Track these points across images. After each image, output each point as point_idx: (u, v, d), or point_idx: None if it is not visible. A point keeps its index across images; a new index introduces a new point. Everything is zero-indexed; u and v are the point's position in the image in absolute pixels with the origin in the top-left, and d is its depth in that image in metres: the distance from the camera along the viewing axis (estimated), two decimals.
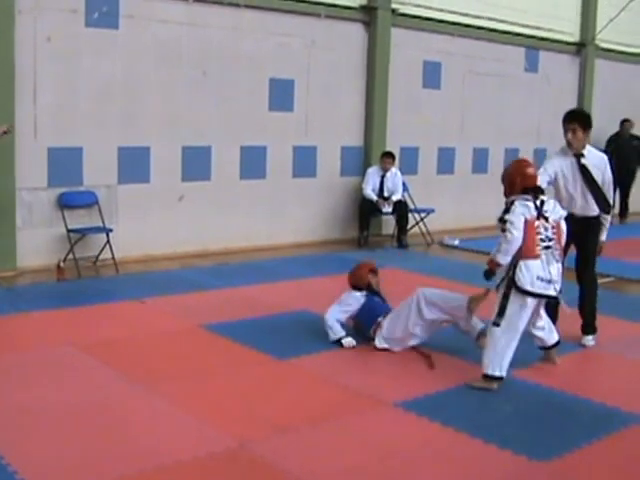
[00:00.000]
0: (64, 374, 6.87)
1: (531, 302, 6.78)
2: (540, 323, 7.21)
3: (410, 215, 14.24)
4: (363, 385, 6.82)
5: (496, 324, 6.70)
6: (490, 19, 16.36)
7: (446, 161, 16.04)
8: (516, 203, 6.79)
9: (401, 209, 13.95)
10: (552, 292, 6.77)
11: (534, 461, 5.39)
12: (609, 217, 8.19)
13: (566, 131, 7.98)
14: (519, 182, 6.89)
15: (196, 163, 12.42)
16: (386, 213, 14.01)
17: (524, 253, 6.68)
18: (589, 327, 8.18)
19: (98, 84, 11.24)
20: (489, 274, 6.94)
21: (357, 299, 7.98)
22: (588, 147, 8.03)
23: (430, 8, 15.24)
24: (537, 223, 6.73)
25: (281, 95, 13.33)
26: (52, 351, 7.47)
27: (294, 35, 13.34)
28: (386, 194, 13.82)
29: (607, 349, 7.95)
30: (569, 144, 7.97)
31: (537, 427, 6.00)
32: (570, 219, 7.62)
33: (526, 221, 6.70)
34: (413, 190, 14.59)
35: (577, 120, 7.97)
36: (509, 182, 7.02)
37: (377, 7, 14.20)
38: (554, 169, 8.02)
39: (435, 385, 6.83)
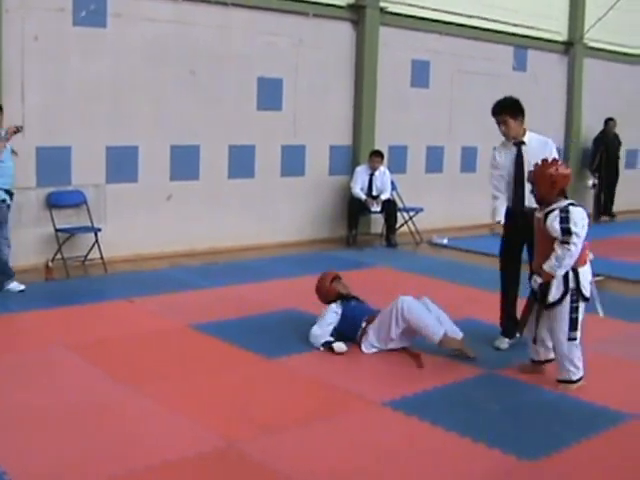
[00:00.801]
0: (53, 374, 6.87)
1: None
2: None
3: (399, 214, 14.27)
4: (352, 384, 6.83)
5: (573, 339, 6.66)
6: (478, 18, 16.38)
7: (435, 160, 16.06)
8: (571, 209, 6.50)
9: (390, 208, 13.98)
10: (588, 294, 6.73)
11: (523, 460, 5.40)
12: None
13: (498, 124, 7.78)
14: (560, 182, 6.61)
15: (184, 162, 12.42)
16: (375, 212, 14.03)
17: (580, 261, 6.55)
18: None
19: (86, 83, 11.23)
20: (546, 286, 6.62)
21: (334, 312, 7.94)
22: (529, 134, 7.84)
23: (418, 7, 15.23)
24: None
25: (269, 94, 13.33)
26: (41, 351, 7.46)
27: (282, 34, 13.34)
28: (375, 193, 13.85)
29: (595, 348, 7.93)
30: (505, 136, 7.81)
31: (526, 426, 6.02)
32: (518, 214, 7.65)
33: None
34: (402, 189, 14.61)
35: (504, 111, 7.73)
36: (549, 183, 6.62)
37: (365, 6, 14.21)
38: (500, 166, 7.86)
39: (423, 384, 6.84)
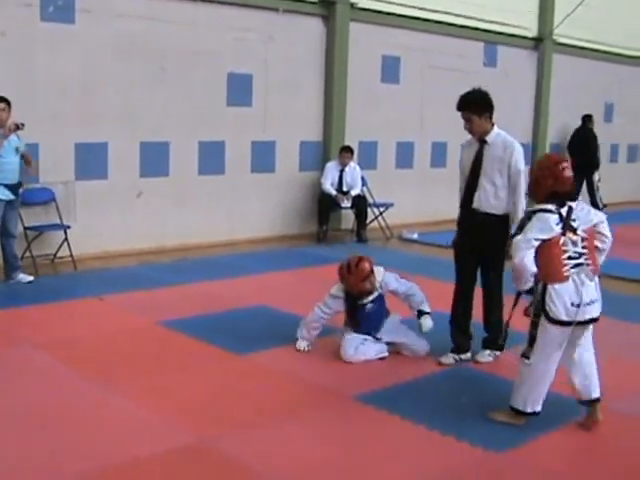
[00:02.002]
0: (21, 373, 6.87)
1: (565, 331, 5.73)
2: (578, 364, 5.97)
3: (369, 209, 14.32)
4: (322, 379, 6.91)
5: (526, 356, 5.85)
6: (449, 14, 16.47)
7: (405, 155, 16.13)
8: (534, 218, 5.71)
9: (360, 203, 14.03)
10: (588, 315, 5.68)
11: (490, 452, 5.51)
12: (518, 218, 6.85)
13: (463, 120, 7.16)
14: (550, 185, 5.77)
15: (154, 159, 12.40)
16: (345, 208, 14.08)
17: (550, 278, 5.65)
18: (489, 342, 7.51)
19: (54, 80, 11.19)
20: (540, 302, 5.76)
21: (329, 307, 7.64)
22: (497, 133, 7.19)
23: (389, 2, 15.30)
24: (563, 239, 5.64)
25: (239, 90, 13.34)
26: (10, 350, 7.47)
27: (252, 30, 13.35)
28: (345, 189, 13.89)
29: None
30: (470, 133, 7.22)
31: (490, 419, 6.09)
32: (470, 215, 7.29)
33: (545, 240, 5.63)
34: (372, 184, 14.66)
35: (468, 107, 7.10)
36: (536, 183, 5.89)
37: (336, 1, 14.26)
38: (463, 162, 7.44)
39: (394, 379, 6.93)
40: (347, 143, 14.35)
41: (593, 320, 5.78)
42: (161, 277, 10.60)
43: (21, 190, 10.07)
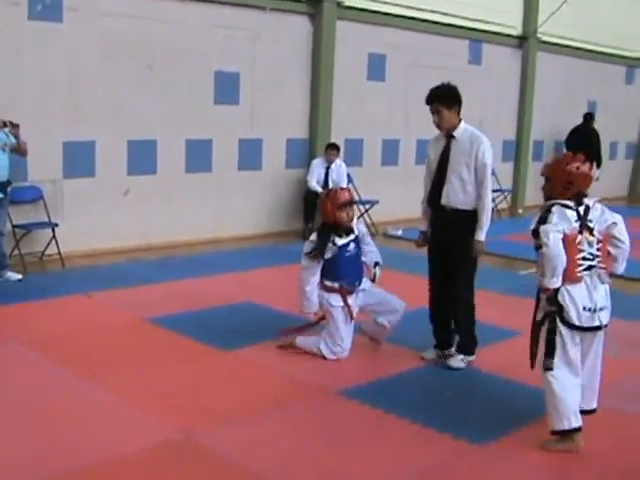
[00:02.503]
0: (9, 369, 6.91)
1: (579, 337, 5.58)
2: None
3: (355, 206, 14.31)
4: (307, 374, 6.97)
5: (548, 368, 5.56)
6: (434, 12, 16.49)
7: (390, 153, 16.18)
8: (553, 210, 5.50)
9: None
10: (597, 322, 5.55)
11: (473, 444, 5.59)
12: (484, 213, 7.01)
13: (432, 114, 7.10)
14: (578, 184, 5.61)
15: (142, 157, 12.41)
16: None
17: (564, 277, 5.45)
18: (460, 346, 7.37)
19: (42, 78, 11.18)
20: (548, 303, 5.57)
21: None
22: (465, 127, 7.13)
23: (375, 1, 15.33)
24: (579, 238, 5.46)
25: (226, 88, 13.35)
26: None
27: (239, 28, 13.35)
28: (331, 185, 13.88)
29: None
30: (438, 127, 7.14)
31: (476, 412, 6.18)
32: (439, 211, 7.20)
33: (565, 236, 5.42)
34: (358, 181, 14.70)
35: (438, 100, 7.04)
36: (564, 182, 5.63)
37: (322, 0, 14.27)
38: (430, 158, 7.35)
39: (377, 373, 7.01)
40: (333, 140, 14.37)
41: (601, 327, 5.60)
42: (148, 274, 10.63)
43: (9, 188, 10.07)
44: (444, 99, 7.04)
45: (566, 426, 5.51)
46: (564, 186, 5.60)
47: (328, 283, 7.36)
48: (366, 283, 7.51)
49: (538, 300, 5.73)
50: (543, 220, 5.47)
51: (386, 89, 15.79)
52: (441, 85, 7.19)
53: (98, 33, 11.66)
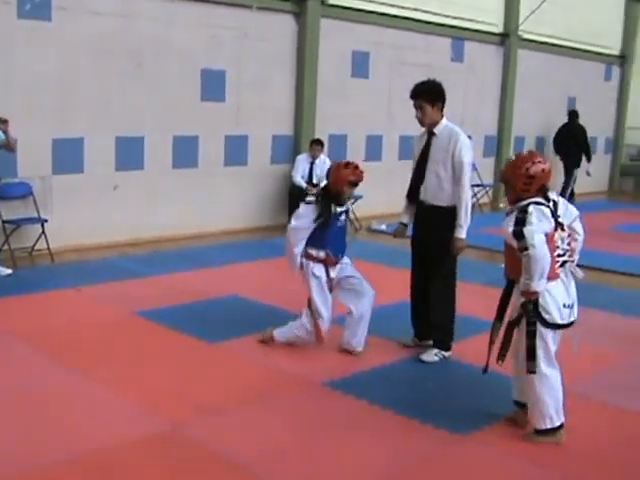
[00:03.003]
0: (1, 362, 6.92)
1: (557, 335, 5.55)
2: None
3: None
4: (292, 366, 7.01)
5: (531, 372, 5.49)
6: (417, 10, 16.55)
7: (374, 148, 16.22)
8: (530, 209, 5.37)
9: None
10: (573, 318, 5.53)
11: (455, 434, 5.65)
12: (462, 211, 6.94)
13: (415, 109, 7.06)
14: (539, 177, 5.47)
15: (130, 153, 12.42)
16: None
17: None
18: (436, 342, 7.32)
19: (32, 76, 11.17)
20: (530, 307, 5.42)
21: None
22: (445, 124, 7.09)
23: None
24: (556, 235, 5.44)
25: (213, 85, 13.37)
26: None
27: (226, 27, 13.36)
28: (315, 181, 13.91)
29: None
30: (420, 122, 7.11)
31: (458, 403, 6.24)
32: (419, 207, 7.20)
33: (546, 235, 5.34)
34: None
35: (422, 95, 7.01)
36: (525, 178, 5.47)
37: None
38: (414, 154, 7.34)
39: (361, 365, 7.05)
40: (317, 136, 14.39)
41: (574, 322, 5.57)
42: (136, 268, 10.65)
43: None
44: (428, 95, 7.02)
45: (548, 425, 5.55)
46: (525, 182, 5.48)
47: (313, 252, 7.27)
48: (346, 258, 7.49)
49: (503, 297, 5.75)
50: (522, 222, 5.33)
51: (370, 86, 15.82)
52: (426, 81, 7.18)
53: (86, 31, 11.64)
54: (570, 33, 20.43)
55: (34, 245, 11.21)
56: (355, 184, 7.24)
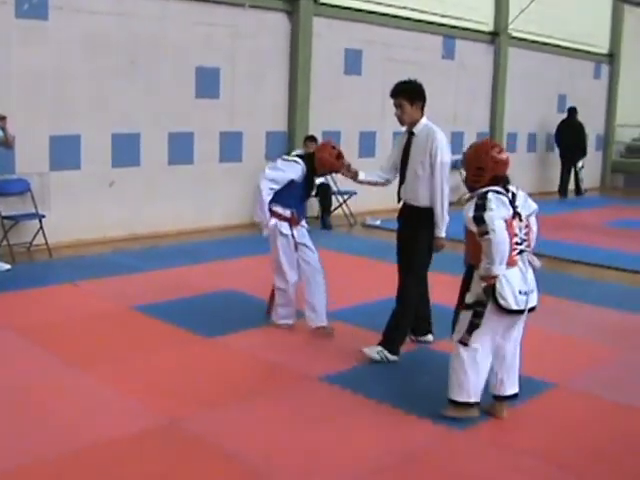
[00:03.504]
0: None
1: (510, 319, 5.60)
2: (504, 357, 5.76)
3: (333, 197, 14.37)
4: (289, 361, 6.96)
5: (463, 343, 5.59)
6: (408, 9, 16.53)
7: (367, 145, 16.18)
8: (489, 196, 5.43)
9: (324, 191, 14.05)
10: (530, 304, 5.57)
11: (453, 430, 5.59)
12: (437, 210, 6.85)
13: (395, 107, 6.97)
14: (490, 168, 5.56)
15: (126, 149, 12.39)
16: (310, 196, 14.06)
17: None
18: (384, 340, 7.00)
19: (28, 74, 11.15)
20: (486, 292, 5.48)
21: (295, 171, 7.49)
22: (425, 124, 6.98)
23: None
24: (514, 222, 5.47)
25: (207, 83, 13.35)
26: None
27: (219, 25, 13.34)
28: None
29: None
30: (399, 121, 7.02)
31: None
32: (402, 206, 7.13)
33: (505, 221, 5.39)
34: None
35: (401, 94, 6.93)
36: (475, 169, 5.64)
37: None
38: (395, 156, 7.21)
39: (358, 359, 6.97)
40: (311, 133, 14.35)
41: (532, 309, 5.62)
42: (133, 264, 10.62)
43: None
44: (408, 93, 6.95)
45: (465, 399, 5.63)
46: (474, 173, 5.62)
47: (279, 210, 7.46)
48: (304, 221, 7.79)
49: (464, 284, 5.89)
50: (482, 207, 5.39)
51: (362, 83, 15.79)
52: (407, 80, 7.11)
53: (82, 30, 11.63)
54: (559, 32, 20.45)
55: (32, 241, 11.19)
56: (340, 169, 7.58)
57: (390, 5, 16.10)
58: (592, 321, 8.50)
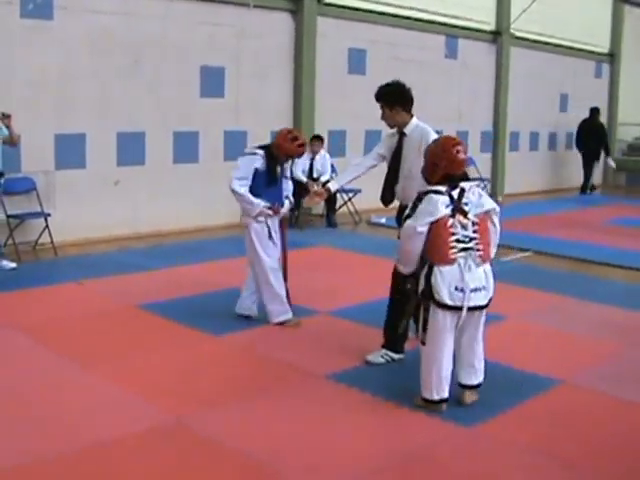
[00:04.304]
0: (3, 355, 6.80)
1: (452, 316, 5.56)
2: (463, 351, 5.82)
3: (338, 195, 14.25)
4: (296, 359, 6.84)
5: (423, 342, 5.67)
6: (412, 8, 16.49)
7: (372, 143, 15.91)
8: (424, 200, 5.48)
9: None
10: (473, 302, 5.50)
11: (460, 426, 5.50)
12: None
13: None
14: (443, 166, 5.58)
15: (131, 148, 12.32)
16: None
17: (436, 259, 5.47)
18: (385, 342, 6.90)
19: (34, 74, 11.09)
20: (408, 279, 5.81)
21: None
22: (415, 123, 6.87)
23: None
24: (451, 221, 5.44)
25: (212, 82, 13.27)
26: None
27: (224, 24, 13.26)
28: (315, 175, 13.81)
29: (524, 318, 8.07)
30: (386, 123, 7.02)
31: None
32: (399, 206, 6.99)
33: (436, 221, 5.43)
34: (341, 171, 14.54)
35: (381, 98, 6.94)
36: (430, 164, 5.68)
37: None
38: (383, 150, 7.18)
39: (364, 357, 6.84)
40: (317, 132, 14.28)
41: (479, 307, 5.57)
42: (138, 262, 10.52)
43: (3, 180, 9.97)
44: (385, 97, 6.92)
45: (428, 397, 5.69)
46: (430, 168, 5.67)
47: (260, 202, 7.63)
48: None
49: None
50: (412, 210, 5.54)
51: (367, 82, 15.63)
52: (388, 83, 7.03)
53: (87, 30, 11.57)
54: (561, 32, 20.40)
55: (38, 239, 11.14)
56: (301, 154, 7.97)
57: (393, 5, 16.02)
58: (596, 318, 8.40)
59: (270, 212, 7.64)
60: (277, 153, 7.68)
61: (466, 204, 5.49)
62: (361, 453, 5.07)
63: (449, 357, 5.70)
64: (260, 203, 7.54)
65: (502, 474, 4.89)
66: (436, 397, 5.68)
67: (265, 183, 7.61)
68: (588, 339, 7.67)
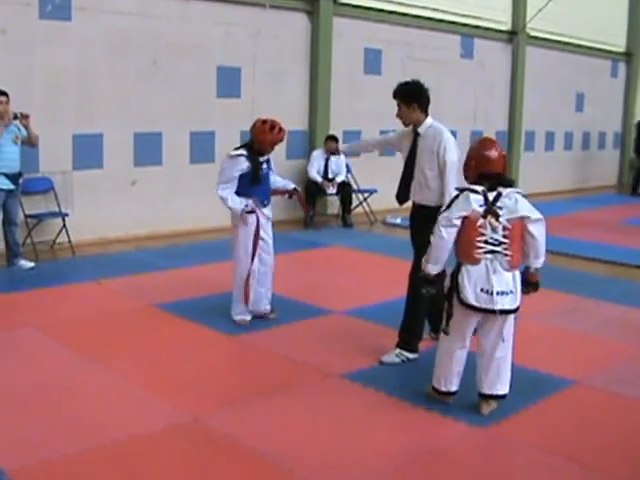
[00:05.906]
0: (23, 354, 6.83)
1: (474, 316, 5.58)
2: (482, 356, 5.77)
3: (354, 195, 14.29)
4: (311, 358, 6.87)
5: (445, 332, 5.71)
6: (427, 8, 16.45)
7: None
8: (460, 196, 5.53)
9: (345, 190, 14.01)
10: (499, 306, 5.42)
11: (474, 427, 5.51)
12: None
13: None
14: (473, 166, 5.64)
15: (148, 149, 12.35)
16: (331, 194, 14.06)
17: (463, 257, 5.51)
18: (400, 341, 6.94)
19: (52, 74, 11.13)
20: (426, 284, 5.78)
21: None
22: (430, 123, 6.84)
23: None
24: (481, 222, 5.42)
25: (228, 82, 13.29)
26: (11, 332, 7.42)
27: (240, 25, 13.28)
28: (330, 176, 13.85)
29: (536, 318, 8.05)
30: (401, 120, 6.98)
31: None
32: (412, 206, 7.01)
33: (466, 217, 5.44)
34: (356, 171, 14.63)
35: (397, 95, 6.93)
36: (466, 162, 5.75)
37: None
38: (396, 140, 7.31)
39: (379, 357, 6.87)
40: (332, 132, 14.27)
41: (505, 312, 5.48)
42: (156, 262, 10.56)
43: (21, 180, 10.03)
44: (402, 95, 6.90)
45: (437, 386, 5.84)
46: (466, 166, 5.72)
47: (242, 201, 7.72)
48: (268, 209, 7.94)
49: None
50: (448, 207, 5.58)
51: (382, 82, 15.64)
52: (407, 82, 7.01)
53: (105, 30, 11.60)
54: (576, 31, 20.30)
55: (55, 239, 11.18)
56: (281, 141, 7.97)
57: (409, 5, 16.01)
58: (611, 318, 8.39)
59: (246, 216, 7.69)
60: (261, 148, 7.76)
61: (500, 208, 5.43)
62: (378, 452, 5.09)
63: (463, 354, 5.76)
64: (242, 204, 7.67)
65: (518, 474, 4.92)
66: (443, 389, 5.81)
67: (250, 181, 7.66)
68: (603, 339, 7.67)
